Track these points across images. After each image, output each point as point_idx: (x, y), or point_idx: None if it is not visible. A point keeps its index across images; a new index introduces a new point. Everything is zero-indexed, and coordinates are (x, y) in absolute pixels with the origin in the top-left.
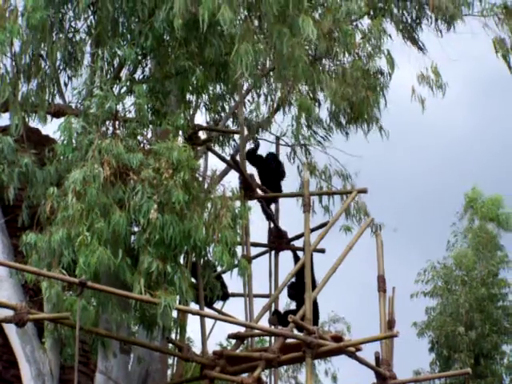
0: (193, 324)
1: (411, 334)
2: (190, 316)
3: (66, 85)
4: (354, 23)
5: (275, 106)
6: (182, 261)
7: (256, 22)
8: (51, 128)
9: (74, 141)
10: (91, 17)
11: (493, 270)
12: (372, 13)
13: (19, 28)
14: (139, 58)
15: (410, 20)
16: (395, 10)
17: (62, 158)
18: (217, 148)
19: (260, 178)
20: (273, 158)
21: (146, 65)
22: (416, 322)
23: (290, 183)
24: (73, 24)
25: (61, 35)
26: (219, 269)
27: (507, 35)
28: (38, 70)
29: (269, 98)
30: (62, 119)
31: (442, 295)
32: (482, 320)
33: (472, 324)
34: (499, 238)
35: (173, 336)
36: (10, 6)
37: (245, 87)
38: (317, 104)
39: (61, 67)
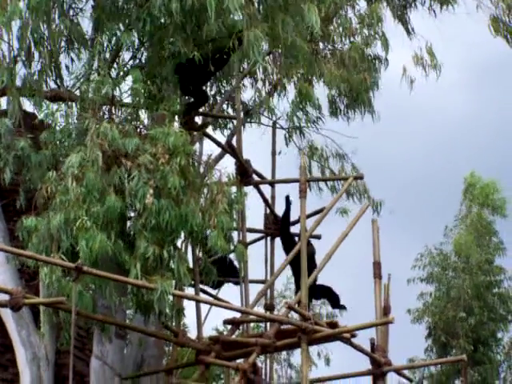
0: (188, 309)
1: (406, 321)
2: (185, 301)
3: (67, 67)
4: (351, 4)
5: (269, 89)
6: (179, 245)
7: (256, 7)
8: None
9: (70, 126)
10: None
11: (489, 257)
12: None
13: (20, 10)
14: (136, 42)
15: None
16: None
17: (58, 142)
18: (213, 132)
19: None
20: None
21: (145, 49)
22: (410, 309)
23: (287, 167)
24: (72, 7)
25: (60, 18)
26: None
27: (503, 13)
28: (36, 54)
29: (266, 83)
30: (58, 103)
31: (440, 281)
32: (481, 307)
33: (471, 310)
34: (495, 224)
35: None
36: None
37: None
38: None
39: (59, 51)
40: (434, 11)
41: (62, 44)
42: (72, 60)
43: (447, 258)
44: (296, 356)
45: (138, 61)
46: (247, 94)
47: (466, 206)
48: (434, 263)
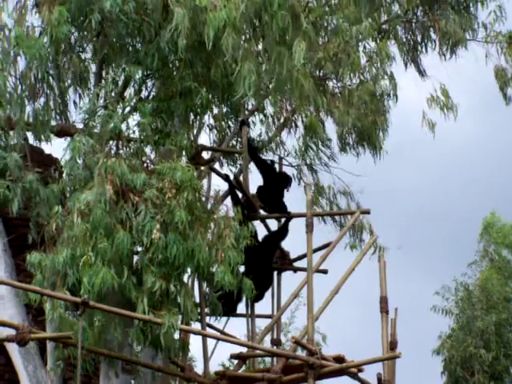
0: (195, 343)
1: (425, 354)
2: (192, 336)
3: (75, 103)
4: (360, 45)
5: (278, 125)
6: (186, 280)
7: (260, 45)
8: (54, 147)
9: (80, 160)
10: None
11: (508, 295)
12: (377, 35)
13: (42, 44)
14: (144, 77)
15: (413, 43)
16: (400, 33)
17: (67, 176)
18: (220, 168)
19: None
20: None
21: (153, 85)
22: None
23: (294, 203)
24: (79, 43)
25: (68, 56)
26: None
27: (509, 65)
28: (44, 89)
29: (271, 119)
30: (64, 139)
31: (464, 315)
32: (498, 343)
33: (488, 346)
34: None
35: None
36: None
37: (250, 107)
38: (322, 125)
39: (67, 86)
40: (444, 55)
41: (69, 80)
42: (80, 96)
43: (470, 293)
44: None
45: (145, 96)
46: (256, 131)
47: (484, 244)
48: (455, 296)
